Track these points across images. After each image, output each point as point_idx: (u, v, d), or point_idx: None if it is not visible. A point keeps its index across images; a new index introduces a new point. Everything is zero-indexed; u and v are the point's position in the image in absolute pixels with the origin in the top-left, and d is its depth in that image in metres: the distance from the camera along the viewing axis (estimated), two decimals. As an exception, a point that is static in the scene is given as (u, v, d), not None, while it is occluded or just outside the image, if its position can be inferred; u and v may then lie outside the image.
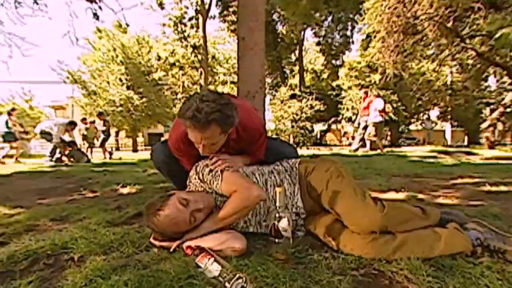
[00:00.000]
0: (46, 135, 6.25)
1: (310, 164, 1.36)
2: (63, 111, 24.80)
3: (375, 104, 7.11)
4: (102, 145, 8.43)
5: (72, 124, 6.71)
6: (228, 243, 1.08)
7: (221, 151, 1.35)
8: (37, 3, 5.66)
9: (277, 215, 1.06)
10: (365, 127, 7.36)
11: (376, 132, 7.20)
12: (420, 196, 2.23)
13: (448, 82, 13.78)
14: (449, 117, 16.82)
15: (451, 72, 13.54)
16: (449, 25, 6.98)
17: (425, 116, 16.78)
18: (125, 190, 2.60)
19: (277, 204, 1.07)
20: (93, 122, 9.07)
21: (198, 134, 1.13)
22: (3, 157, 6.73)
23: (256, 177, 1.33)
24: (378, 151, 7.27)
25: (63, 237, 1.28)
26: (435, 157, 6.53)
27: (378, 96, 7.34)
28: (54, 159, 6.24)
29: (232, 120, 1.16)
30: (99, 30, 14.42)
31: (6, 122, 6.78)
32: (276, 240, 1.06)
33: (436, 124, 20.58)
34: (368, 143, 7.71)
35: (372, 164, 4.69)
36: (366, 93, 8.06)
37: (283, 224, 1.06)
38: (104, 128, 8.53)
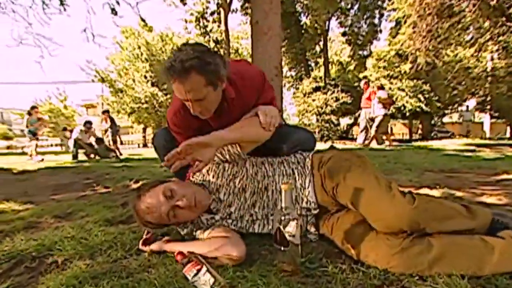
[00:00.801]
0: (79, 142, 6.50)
1: (326, 154, 1.17)
2: (94, 109, 26.05)
3: (379, 95, 6.75)
4: (114, 141, 8.48)
5: (87, 124, 6.82)
6: (224, 250, 0.91)
7: (223, 113, 1.20)
8: (62, 4, 5.82)
9: (282, 217, 0.87)
10: (372, 119, 6.97)
11: (380, 125, 6.82)
12: (459, 193, 1.94)
13: (488, 69, 12.63)
14: (488, 107, 15.47)
15: (492, 58, 12.37)
16: (493, 3, 6.27)
17: (462, 107, 15.55)
18: (137, 186, 2.54)
19: (283, 204, 0.88)
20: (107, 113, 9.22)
21: (180, 86, 1.03)
22: (35, 152, 6.88)
23: (266, 166, 1.18)
24: (384, 145, 6.85)
25: (54, 237, 1.19)
26: (473, 150, 5.97)
27: (380, 87, 6.97)
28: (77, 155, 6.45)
29: (214, 68, 1.03)
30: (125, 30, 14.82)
31: (27, 121, 6.97)
32: (282, 248, 0.88)
33: (474, 115, 19.09)
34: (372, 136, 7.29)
35: (401, 158, 4.34)
36: (367, 83, 7.62)
37: (290, 228, 0.88)
38: (108, 125, 8.42)
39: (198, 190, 1.09)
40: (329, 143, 10.55)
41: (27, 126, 6.94)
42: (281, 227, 0.88)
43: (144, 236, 1.09)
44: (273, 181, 1.15)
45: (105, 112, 8.89)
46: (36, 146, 7.04)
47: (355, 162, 1.07)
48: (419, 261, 0.84)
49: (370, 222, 0.95)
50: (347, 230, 1.01)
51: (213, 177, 1.17)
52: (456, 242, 0.87)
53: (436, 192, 2.01)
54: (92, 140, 6.76)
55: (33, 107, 7.24)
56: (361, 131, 7.42)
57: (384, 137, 7.07)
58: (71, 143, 6.87)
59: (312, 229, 1.13)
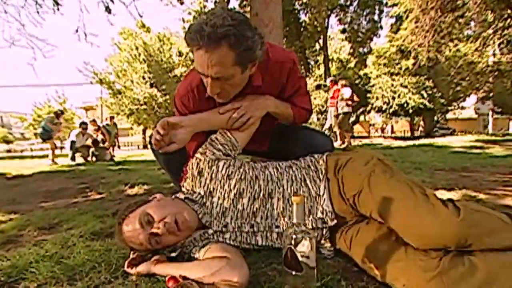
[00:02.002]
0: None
1: (343, 156, 1.01)
2: (93, 112, 25.93)
3: (342, 93, 6.76)
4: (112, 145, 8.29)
5: (83, 125, 6.66)
6: (223, 275, 0.75)
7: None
8: (57, 3, 5.67)
9: (294, 235, 0.72)
10: (336, 117, 6.95)
11: (342, 123, 6.82)
12: (480, 196, 1.78)
13: (490, 63, 12.43)
14: (488, 103, 15.28)
15: (494, 54, 12.18)
16: (498, -5, 6.10)
17: (470, 102, 15.28)
18: (132, 191, 2.39)
19: (294, 219, 0.73)
20: (112, 117, 9.09)
21: (205, 57, 0.84)
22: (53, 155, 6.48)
23: (270, 170, 1.03)
24: (345, 144, 6.79)
25: (30, 256, 1.04)
26: (481, 147, 5.81)
27: (345, 85, 6.95)
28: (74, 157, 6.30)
29: (251, 44, 0.85)
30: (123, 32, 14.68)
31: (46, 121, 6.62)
32: (293, 272, 0.73)
33: (478, 109, 18.91)
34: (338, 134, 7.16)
35: (408, 157, 4.19)
36: (333, 82, 7.53)
37: (304, 248, 0.73)
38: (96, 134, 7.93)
39: (180, 210, 0.93)
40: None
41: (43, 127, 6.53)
42: (293, 246, 0.73)
43: (131, 256, 0.94)
44: (280, 187, 0.99)
45: (93, 121, 8.11)
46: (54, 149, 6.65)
47: (379, 165, 0.91)
48: (462, 287, 0.68)
49: (404, 237, 0.79)
50: (369, 245, 0.86)
51: (205, 179, 1.01)
52: (506, 263, 0.71)
53: (453, 194, 1.86)
54: (90, 142, 6.61)
55: (62, 112, 7.14)
56: (326, 130, 7.37)
57: (344, 135, 6.97)
58: (67, 145, 6.72)
59: (327, 244, 0.98)
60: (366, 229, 0.91)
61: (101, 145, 7.00)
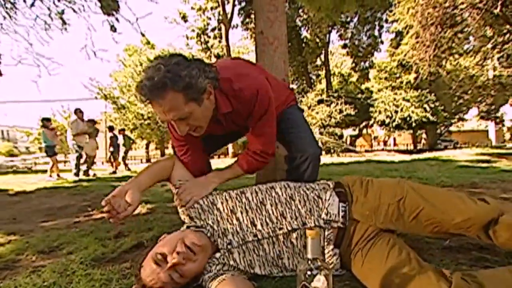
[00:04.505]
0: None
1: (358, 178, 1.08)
2: (98, 126, 26.12)
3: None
4: (115, 159, 8.18)
5: (78, 111, 6.36)
6: None
7: (219, 129, 1.13)
8: (64, 23, 5.80)
9: (308, 272, 0.67)
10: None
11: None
12: (495, 216, 1.72)
13: (490, 76, 12.51)
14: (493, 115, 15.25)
15: (494, 68, 12.27)
16: (496, 11, 6.18)
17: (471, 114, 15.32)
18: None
19: (309, 255, 0.68)
20: (123, 130, 9.08)
21: (157, 106, 0.90)
22: (51, 170, 6.21)
23: (277, 191, 1.02)
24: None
25: (26, 287, 0.98)
26: (488, 161, 5.73)
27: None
28: (78, 172, 6.15)
29: (190, 81, 0.89)
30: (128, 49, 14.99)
31: (44, 135, 6.27)
32: (308, 311, 0.68)
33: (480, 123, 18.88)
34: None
35: (414, 172, 4.13)
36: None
37: (319, 284, 0.67)
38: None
39: (184, 235, 0.91)
40: (334, 156, 10.32)
41: (45, 142, 6.25)
42: (307, 283, 0.67)
43: None
44: (272, 193, 1.01)
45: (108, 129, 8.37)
46: (54, 164, 6.28)
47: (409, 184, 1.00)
48: None
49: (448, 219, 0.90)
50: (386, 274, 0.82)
51: (196, 219, 1.02)
52: None
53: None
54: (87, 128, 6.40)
55: (48, 119, 6.52)
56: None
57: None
58: (72, 159, 6.55)
59: (330, 247, 0.96)
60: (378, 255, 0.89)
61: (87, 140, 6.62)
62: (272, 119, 1.14)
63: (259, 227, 0.96)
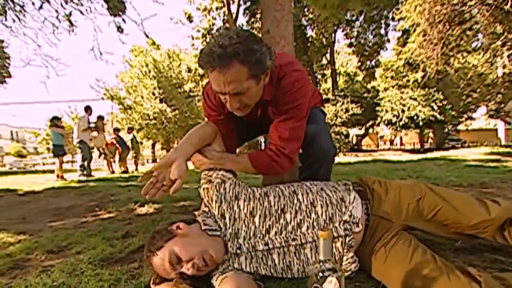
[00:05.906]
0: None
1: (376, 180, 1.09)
2: (104, 126, 26.38)
3: None
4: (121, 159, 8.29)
5: (88, 109, 6.51)
6: None
7: (254, 116, 1.10)
8: (72, 25, 5.86)
9: (320, 274, 0.66)
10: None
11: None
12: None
13: (500, 74, 12.28)
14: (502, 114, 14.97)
15: (504, 66, 12.04)
16: (507, 7, 6.06)
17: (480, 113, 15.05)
18: (141, 210, 2.36)
19: (321, 256, 0.67)
20: (131, 129, 9.18)
21: (220, 76, 0.87)
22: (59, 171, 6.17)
23: (281, 187, 1.01)
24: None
25: (37, 287, 0.99)
26: (498, 160, 5.62)
27: None
28: (85, 172, 6.25)
29: (260, 56, 0.88)
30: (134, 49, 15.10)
31: (54, 134, 6.30)
32: (320, 314, 0.66)
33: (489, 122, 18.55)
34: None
35: (423, 171, 4.06)
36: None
37: (331, 286, 0.66)
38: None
39: (206, 248, 0.88)
40: (341, 156, 10.26)
41: (53, 142, 6.29)
42: (319, 285, 0.66)
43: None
44: (294, 200, 0.96)
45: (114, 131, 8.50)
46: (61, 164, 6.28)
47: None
48: None
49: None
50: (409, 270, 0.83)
51: (215, 204, 0.98)
52: None
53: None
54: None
55: (56, 118, 6.56)
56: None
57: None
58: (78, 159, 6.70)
59: (350, 254, 0.94)
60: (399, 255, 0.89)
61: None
62: (302, 114, 1.06)
63: (271, 235, 0.93)
